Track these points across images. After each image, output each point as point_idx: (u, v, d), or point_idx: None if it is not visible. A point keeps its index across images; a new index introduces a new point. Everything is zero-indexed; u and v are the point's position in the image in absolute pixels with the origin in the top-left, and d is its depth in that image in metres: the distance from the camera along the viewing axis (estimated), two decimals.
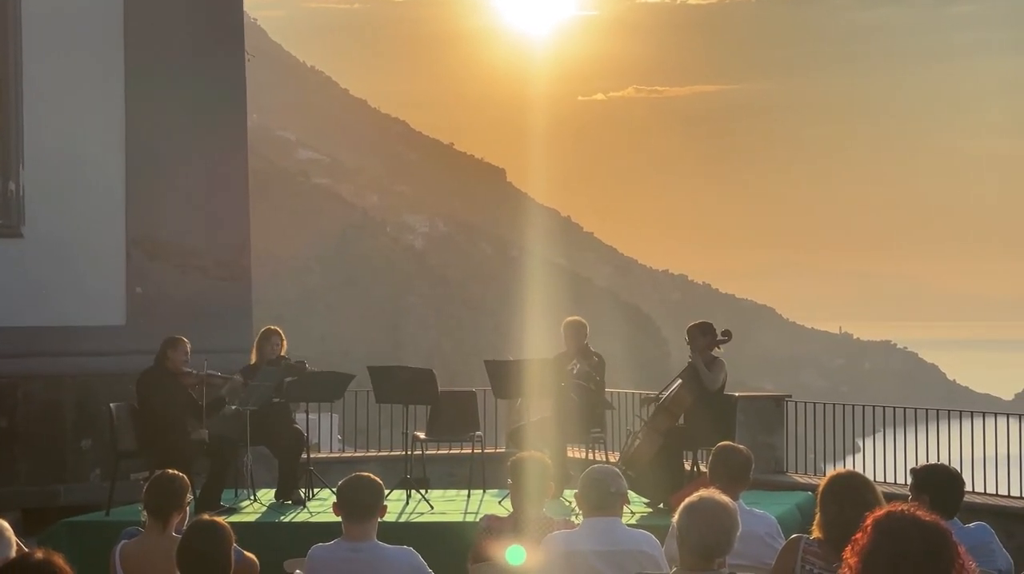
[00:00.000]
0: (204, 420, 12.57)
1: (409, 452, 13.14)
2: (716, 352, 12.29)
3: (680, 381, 12.15)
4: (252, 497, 12.66)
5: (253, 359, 13.16)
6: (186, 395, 12.60)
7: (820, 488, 5.68)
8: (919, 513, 4.00)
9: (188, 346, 12.69)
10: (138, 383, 12.61)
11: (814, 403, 16.26)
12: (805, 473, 15.96)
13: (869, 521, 4.05)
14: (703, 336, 12.24)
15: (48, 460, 14.91)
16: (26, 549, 6.05)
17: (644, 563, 6.36)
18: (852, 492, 5.56)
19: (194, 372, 12.64)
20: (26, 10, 15.32)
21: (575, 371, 12.62)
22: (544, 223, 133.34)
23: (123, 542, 6.86)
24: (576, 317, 13.18)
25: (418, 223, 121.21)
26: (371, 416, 16.86)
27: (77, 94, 15.61)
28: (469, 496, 13.02)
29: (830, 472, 5.82)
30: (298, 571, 6.76)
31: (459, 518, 11.71)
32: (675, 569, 5.15)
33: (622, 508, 6.78)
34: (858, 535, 4.05)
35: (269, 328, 13.27)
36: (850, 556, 4.03)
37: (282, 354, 13.12)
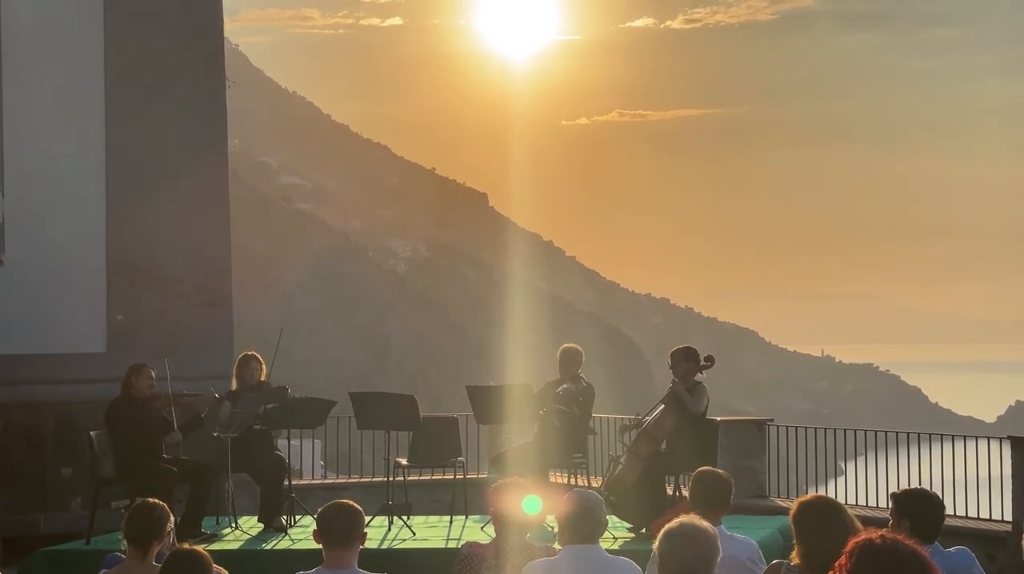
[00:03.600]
0: (178, 433, 12.47)
1: (391, 478, 13.11)
2: (699, 377, 12.28)
3: (663, 406, 12.15)
4: (233, 524, 12.60)
5: (234, 386, 13.12)
6: (159, 418, 12.52)
7: (792, 516, 5.62)
8: (899, 539, 4.00)
9: (152, 371, 12.60)
10: (106, 414, 12.52)
11: (796, 427, 16.26)
12: (788, 497, 15.95)
13: (850, 547, 4.05)
14: (687, 361, 12.24)
15: (28, 488, 14.85)
16: None
17: None
18: (828, 517, 5.53)
19: (162, 394, 12.57)
20: (5, 37, 15.32)
21: (560, 390, 12.63)
22: (526, 247, 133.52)
23: (103, 571, 6.84)
24: (573, 344, 13.19)
25: (400, 247, 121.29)
26: (353, 442, 16.82)
27: (57, 121, 15.60)
28: (451, 522, 12.99)
29: (798, 500, 5.76)
30: None
31: (441, 544, 11.67)
32: None
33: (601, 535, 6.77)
34: (841, 561, 4.05)
35: (247, 354, 13.21)
36: None
37: (262, 379, 13.08)
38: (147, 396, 12.51)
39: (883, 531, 4.09)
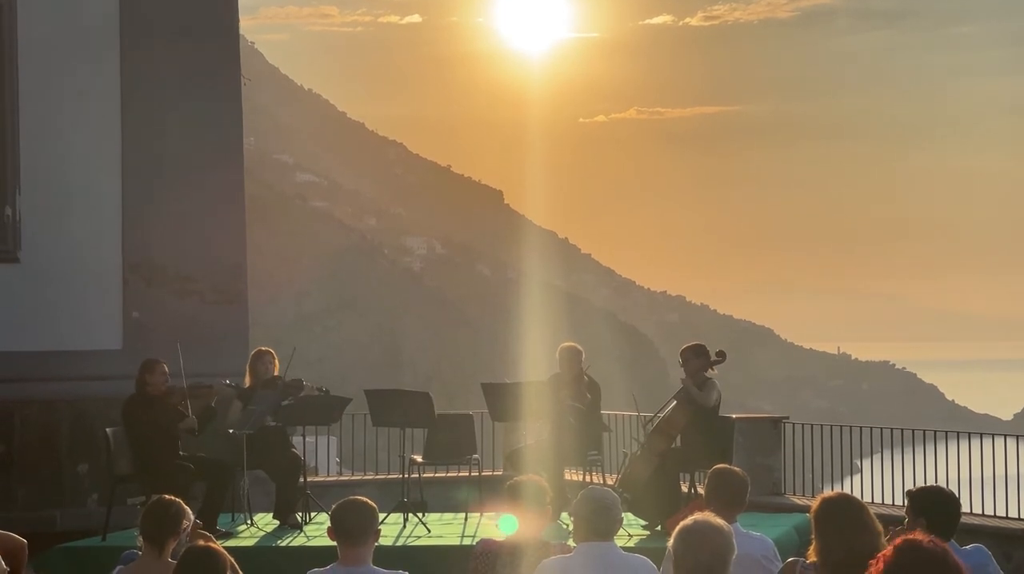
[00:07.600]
0: (193, 419, 12.45)
1: (406, 475, 13.13)
2: (710, 373, 12.27)
3: (675, 402, 12.16)
4: (249, 521, 12.63)
5: (248, 382, 13.15)
6: (174, 414, 12.51)
7: (814, 512, 5.62)
8: (947, 550, 4.01)
9: (165, 366, 12.61)
10: (123, 412, 12.54)
11: (812, 424, 16.24)
12: (803, 495, 15.93)
13: (899, 542, 4.04)
14: (696, 358, 12.24)
15: (45, 485, 14.88)
16: None
17: None
18: (850, 516, 5.52)
19: (176, 389, 12.58)
20: (22, 36, 15.36)
21: (563, 395, 12.62)
22: (542, 244, 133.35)
23: (119, 568, 6.86)
24: (571, 343, 13.16)
25: (416, 245, 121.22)
26: (369, 439, 16.84)
27: (73, 119, 15.63)
28: (467, 519, 12.99)
29: (821, 496, 5.76)
30: None
31: (456, 542, 11.69)
32: None
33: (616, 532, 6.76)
34: (886, 552, 4.04)
35: (260, 349, 13.30)
36: None
37: (275, 374, 13.12)
38: (162, 392, 12.52)
39: (921, 534, 4.11)
